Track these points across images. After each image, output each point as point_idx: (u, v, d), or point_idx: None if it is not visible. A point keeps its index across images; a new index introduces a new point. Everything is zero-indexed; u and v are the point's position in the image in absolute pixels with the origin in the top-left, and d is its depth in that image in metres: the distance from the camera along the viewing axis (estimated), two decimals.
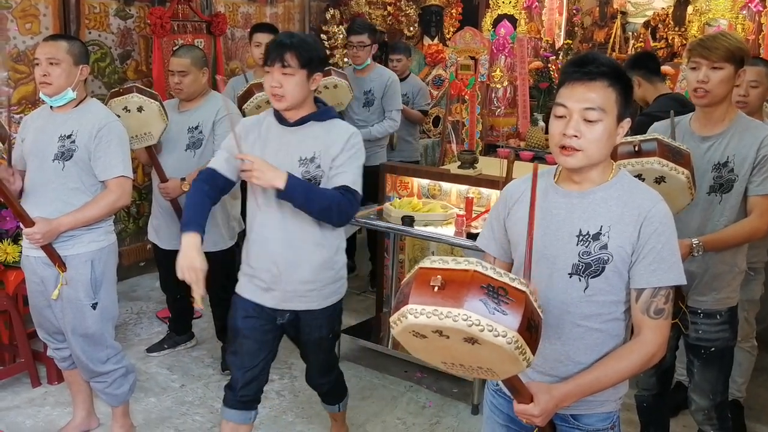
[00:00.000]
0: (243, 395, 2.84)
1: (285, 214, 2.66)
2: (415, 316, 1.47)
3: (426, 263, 1.55)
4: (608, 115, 1.81)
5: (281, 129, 2.70)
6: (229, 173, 2.69)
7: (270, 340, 2.85)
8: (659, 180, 2.34)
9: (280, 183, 2.51)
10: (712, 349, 2.73)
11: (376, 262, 5.00)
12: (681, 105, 3.54)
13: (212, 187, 2.69)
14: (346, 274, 2.92)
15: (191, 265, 2.52)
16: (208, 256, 3.89)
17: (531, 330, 1.49)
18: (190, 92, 3.81)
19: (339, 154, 2.64)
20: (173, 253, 3.93)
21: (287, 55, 2.56)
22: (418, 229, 3.83)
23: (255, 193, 2.71)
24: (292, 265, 2.71)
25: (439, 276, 1.49)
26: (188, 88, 3.79)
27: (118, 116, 3.34)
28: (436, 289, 1.47)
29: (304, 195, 2.56)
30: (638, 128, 3.04)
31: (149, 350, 4.31)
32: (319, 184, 2.63)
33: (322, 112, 2.73)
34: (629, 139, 2.39)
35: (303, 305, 2.77)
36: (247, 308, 2.79)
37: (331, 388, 3.12)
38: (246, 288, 2.81)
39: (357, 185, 2.67)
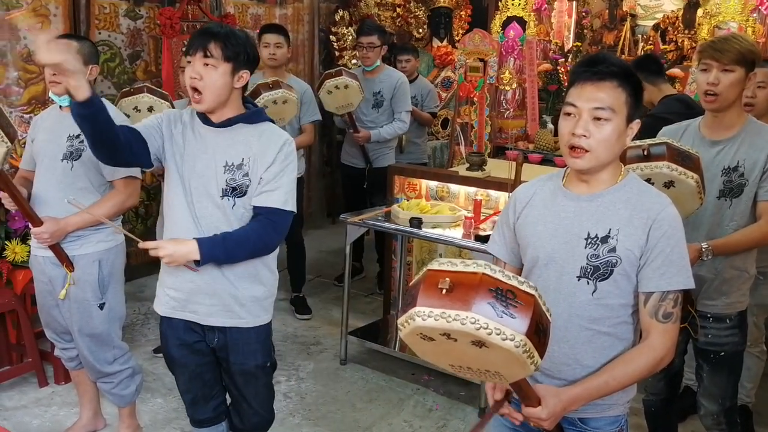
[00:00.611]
0: (199, 419, 2.73)
1: (201, 220, 2.41)
2: (423, 319, 1.46)
3: (434, 265, 1.54)
4: (618, 115, 1.81)
5: (206, 129, 2.42)
6: (149, 140, 2.39)
7: (210, 362, 2.64)
8: (668, 184, 2.32)
9: (195, 255, 2.29)
10: (722, 353, 2.72)
11: (383, 264, 5.00)
12: (686, 106, 3.53)
13: (126, 133, 2.33)
14: (275, 290, 2.63)
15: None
16: None
17: (539, 334, 1.49)
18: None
19: (270, 166, 2.37)
20: None
21: (211, 44, 2.30)
22: (426, 231, 3.83)
23: (169, 195, 2.49)
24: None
25: (447, 278, 1.48)
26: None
27: (128, 116, 3.35)
28: (444, 291, 1.46)
29: (224, 253, 2.35)
30: (644, 130, 3.02)
31: (156, 351, 4.30)
32: (244, 194, 2.37)
33: (253, 113, 2.46)
34: (638, 143, 2.37)
35: (227, 322, 2.52)
36: (177, 334, 2.59)
37: None
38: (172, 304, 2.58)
39: (288, 203, 2.41)
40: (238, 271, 2.46)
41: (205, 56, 2.30)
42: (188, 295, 2.49)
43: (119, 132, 2.27)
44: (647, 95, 3.79)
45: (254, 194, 2.38)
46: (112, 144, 2.27)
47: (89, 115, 2.17)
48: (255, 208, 2.39)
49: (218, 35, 2.31)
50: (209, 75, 2.30)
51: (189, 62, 2.36)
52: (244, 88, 2.43)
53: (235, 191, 2.38)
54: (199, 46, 2.31)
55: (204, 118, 2.42)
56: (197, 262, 2.33)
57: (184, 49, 4.97)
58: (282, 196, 2.39)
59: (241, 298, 2.48)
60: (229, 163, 2.38)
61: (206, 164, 2.40)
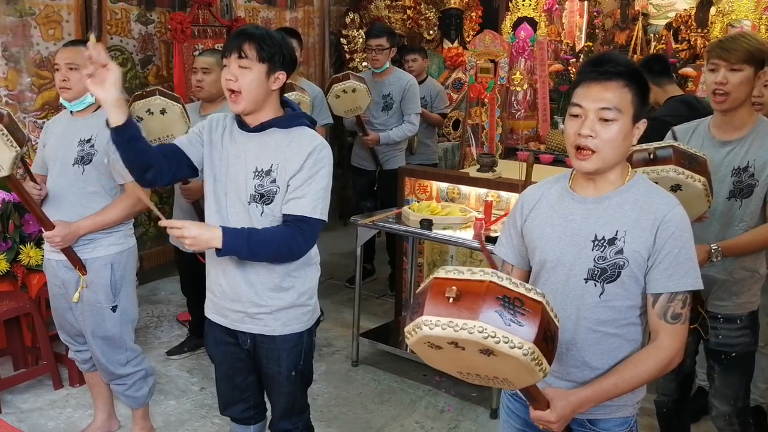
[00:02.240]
0: (228, 416, 2.76)
1: (231, 220, 2.41)
2: (430, 328, 1.46)
3: (441, 273, 1.54)
4: (624, 115, 1.80)
5: (240, 133, 2.42)
6: (189, 150, 2.45)
7: (243, 366, 2.64)
8: (675, 188, 2.31)
9: (217, 243, 2.25)
10: (733, 354, 2.71)
11: (395, 265, 5.00)
12: (689, 107, 3.49)
13: (162, 151, 2.40)
14: (311, 302, 2.57)
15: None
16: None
17: (547, 341, 1.48)
18: (211, 92, 3.84)
19: (297, 173, 2.33)
20: (193, 256, 4.01)
21: (246, 45, 2.29)
22: (436, 232, 3.83)
23: (206, 200, 2.50)
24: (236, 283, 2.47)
25: (454, 287, 1.47)
26: (209, 87, 3.82)
27: (141, 119, 3.37)
28: (451, 300, 1.46)
29: (247, 248, 2.29)
30: (647, 132, 3.00)
31: (169, 353, 4.34)
32: (272, 201, 2.35)
33: (288, 117, 2.42)
34: (644, 146, 2.36)
35: (254, 329, 2.50)
36: (214, 334, 2.63)
37: None
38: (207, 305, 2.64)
39: (317, 211, 2.35)
40: (263, 280, 2.43)
41: (240, 57, 2.29)
42: (219, 299, 2.52)
43: (153, 156, 2.33)
44: (652, 96, 3.77)
45: (282, 202, 2.35)
46: (146, 166, 2.34)
47: (121, 142, 2.27)
48: (283, 215, 2.36)
49: (253, 36, 2.30)
50: (244, 76, 2.29)
51: (225, 64, 2.36)
52: (283, 89, 2.42)
53: (263, 198, 2.36)
54: (234, 47, 2.30)
55: (240, 122, 2.41)
56: (219, 252, 2.29)
57: (195, 53, 5.02)
58: (310, 203, 2.33)
59: (265, 306, 2.46)
60: (258, 168, 2.36)
61: (238, 170, 2.39)
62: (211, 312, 2.59)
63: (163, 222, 2.24)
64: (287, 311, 2.49)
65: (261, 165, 2.36)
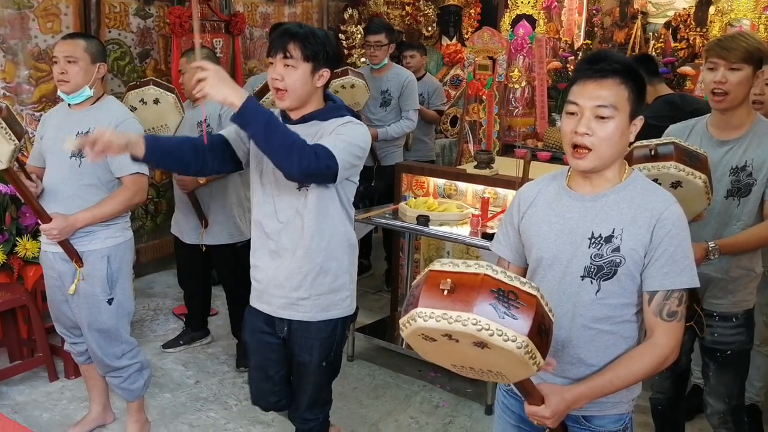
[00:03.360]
0: (259, 405, 2.85)
1: (278, 211, 2.49)
2: (424, 320, 1.46)
3: (436, 266, 1.54)
4: (620, 113, 1.80)
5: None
6: (235, 145, 2.50)
7: (277, 358, 2.71)
8: (676, 185, 2.31)
9: (236, 100, 2.12)
10: (728, 352, 2.71)
11: (391, 261, 5.00)
12: (671, 107, 3.50)
13: (208, 144, 2.45)
14: (351, 287, 2.64)
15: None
16: (225, 248, 3.99)
17: (541, 334, 1.48)
18: (188, 89, 3.83)
19: (329, 135, 2.37)
20: (192, 247, 4.03)
21: (290, 45, 2.34)
22: (433, 228, 3.83)
23: (253, 182, 2.58)
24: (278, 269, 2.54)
25: (449, 279, 1.47)
26: (187, 85, 3.81)
27: (135, 108, 3.38)
28: (445, 292, 1.46)
29: (264, 124, 2.18)
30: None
31: (165, 346, 4.34)
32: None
33: (330, 109, 2.47)
34: (645, 142, 2.36)
35: (293, 315, 2.57)
36: (253, 322, 2.70)
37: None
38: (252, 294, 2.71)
39: (335, 150, 2.29)
40: (305, 264, 2.50)
41: (285, 57, 2.34)
42: (265, 286, 2.58)
43: (190, 154, 2.38)
44: None
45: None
46: (186, 165, 2.43)
47: (155, 164, 2.47)
48: None
49: (297, 35, 2.34)
50: (290, 75, 2.35)
51: (271, 63, 2.40)
52: (326, 85, 2.48)
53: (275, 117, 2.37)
54: (279, 47, 2.35)
55: (284, 116, 2.48)
56: (234, 116, 2.17)
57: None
58: (330, 141, 2.32)
59: (305, 291, 2.53)
60: None
61: None
62: (254, 300, 2.66)
63: (196, 63, 2.16)
64: (326, 296, 2.56)
65: None
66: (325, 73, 2.41)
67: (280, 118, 2.46)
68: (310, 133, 2.39)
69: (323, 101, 2.50)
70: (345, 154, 2.34)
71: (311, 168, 2.25)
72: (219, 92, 2.12)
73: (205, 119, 3.83)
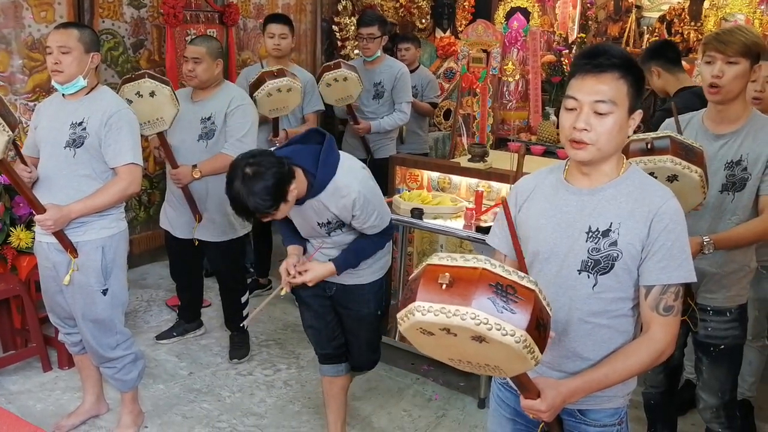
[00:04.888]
0: (322, 353, 3.14)
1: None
2: (422, 314, 1.46)
3: (434, 260, 1.54)
4: (619, 108, 1.80)
5: None
6: None
7: (329, 305, 3.05)
8: (672, 178, 2.31)
9: (335, 273, 2.84)
10: (722, 346, 2.72)
11: None
12: (702, 101, 3.46)
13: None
14: (390, 251, 3.11)
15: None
16: (219, 244, 3.98)
17: (539, 329, 1.48)
18: (202, 80, 3.82)
19: (353, 215, 2.75)
20: (184, 241, 4.01)
21: None
22: (427, 221, 3.83)
23: None
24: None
25: (447, 273, 1.47)
26: (201, 76, 3.80)
27: (131, 101, 3.36)
28: (444, 286, 1.46)
29: (355, 262, 2.87)
30: (657, 124, 2.97)
31: (158, 337, 4.34)
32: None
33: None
34: (642, 136, 2.36)
35: (345, 280, 2.95)
36: None
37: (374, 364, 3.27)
38: None
39: (384, 220, 2.86)
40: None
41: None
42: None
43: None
44: (662, 84, 3.62)
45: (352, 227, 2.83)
46: None
47: None
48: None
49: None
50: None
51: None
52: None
53: (352, 250, 2.90)
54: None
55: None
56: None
57: (187, 38, 4.99)
58: (374, 220, 2.80)
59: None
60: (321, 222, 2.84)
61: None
62: None
63: (295, 281, 2.86)
64: (374, 265, 2.99)
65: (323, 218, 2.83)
66: None
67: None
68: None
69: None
70: (380, 208, 2.83)
71: (388, 239, 2.97)
72: (318, 278, 2.84)
73: (210, 116, 3.82)
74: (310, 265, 2.83)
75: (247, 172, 2.47)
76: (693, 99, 3.19)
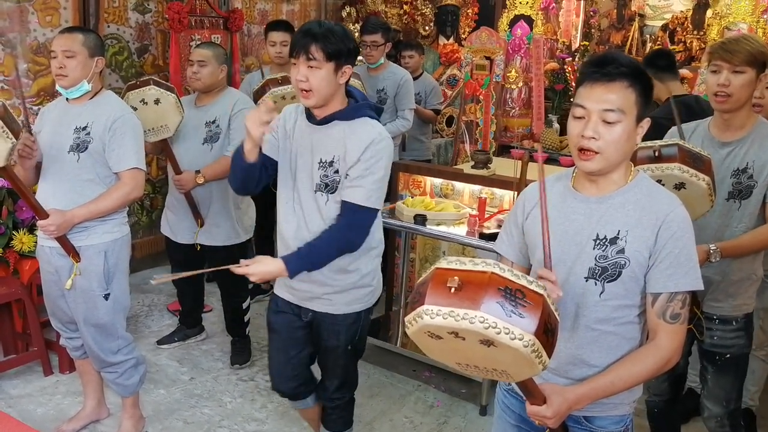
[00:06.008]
0: (279, 390, 2.92)
1: (302, 212, 2.58)
2: (431, 317, 1.46)
3: (443, 264, 1.53)
4: (627, 116, 1.79)
5: (308, 127, 2.55)
6: (272, 154, 2.63)
7: (300, 336, 2.78)
8: (679, 186, 2.31)
9: (284, 273, 2.48)
10: (727, 355, 2.71)
11: (386, 260, 4.99)
12: (687, 109, 3.44)
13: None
14: (374, 282, 2.74)
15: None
16: (221, 249, 3.97)
17: (548, 333, 1.48)
18: (206, 84, 3.82)
19: (355, 165, 2.46)
20: (185, 247, 4.01)
21: (312, 47, 2.39)
22: (430, 228, 3.82)
23: (279, 187, 2.67)
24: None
25: (456, 277, 1.46)
26: (205, 79, 3.81)
27: (135, 108, 3.36)
28: (453, 290, 1.45)
29: (310, 264, 2.52)
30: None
31: (160, 342, 4.33)
32: (335, 190, 2.50)
33: (351, 109, 2.53)
34: (649, 143, 2.36)
35: (318, 307, 2.69)
36: (278, 303, 2.79)
37: (341, 409, 2.93)
38: (277, 282, 2.80)
39: (371, 200, 2.49)
40: (332, 266, 2.58)
41: (309, 59, 2.40)
42: (288, 280, 2.61)
43: (259, 175, 2.57)
44: (656, 92, 3.69)
45: (343, 188, 2.50)
46: (249, 185, 2.63)
47: (248, 167, 2.51)
48: (341, 202, 2.51)
49: (317, 36, 2.39)
50: (314, 76, 2.41)
51: (294, 64, 2.46)
52: (349, 78, 2.54)
53: (328, 187, 2.52)
54: (302, 49, 2.41)
55: (308, 114, 2.56)
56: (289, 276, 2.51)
57: (192, 43, 5.00)
58: (363, 192, 2.47)
59: (330, 287, 2.63)
60: (323, 160, 2.52)
61: (306, 160, 2.55)
62: (281, 290, 2.77)
63: (233, 268, 2.46)
64: (350, 292, 2.67)
65: (324, 156, 2.51)
66: (347, 69, 2.47)
67: (305, 115, 2.57)
68: (334, 137, 2.50)
69: (346, 97, 2.57)
70: (378, 193, 2.52)
71: (360, 241, 2.55)
72: (269, 277, 2.52)
73: (214, 120, 3.82)
74: (260, 257, 2.51)
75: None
76: (669, 110, 3.19)
